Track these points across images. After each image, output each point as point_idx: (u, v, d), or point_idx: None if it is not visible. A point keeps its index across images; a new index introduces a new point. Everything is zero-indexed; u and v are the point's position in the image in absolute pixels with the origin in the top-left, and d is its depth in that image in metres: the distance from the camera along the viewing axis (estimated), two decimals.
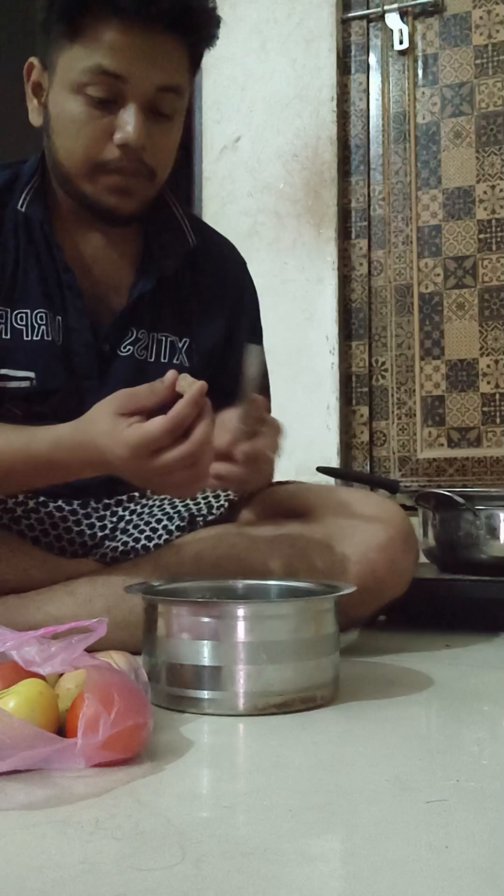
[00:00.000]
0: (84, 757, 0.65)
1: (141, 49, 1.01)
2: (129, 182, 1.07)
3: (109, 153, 1.04)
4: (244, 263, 1.31)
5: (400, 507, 1.16)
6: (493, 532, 1.41)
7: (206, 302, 1.22)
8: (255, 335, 1.29)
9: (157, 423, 0.89)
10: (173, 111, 1.06)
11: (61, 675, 0.74)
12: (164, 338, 1.18)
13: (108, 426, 0.92)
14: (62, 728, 0.69)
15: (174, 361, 1.18)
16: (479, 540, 1.41)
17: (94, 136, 1.03)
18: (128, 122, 1.02)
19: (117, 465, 0.93)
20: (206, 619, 0.84)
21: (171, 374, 0.92)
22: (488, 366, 2.12)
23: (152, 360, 1.17)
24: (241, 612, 0.84)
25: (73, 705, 0.68)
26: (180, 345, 1.19)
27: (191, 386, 0.90)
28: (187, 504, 1.17)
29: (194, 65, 1.08)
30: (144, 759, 0.68)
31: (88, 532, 1.15)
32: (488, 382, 2.12)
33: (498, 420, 2.11)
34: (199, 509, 1.17)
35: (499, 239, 2.13)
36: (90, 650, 0.72)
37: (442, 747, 0.76)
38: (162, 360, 1.18)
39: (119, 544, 1.14)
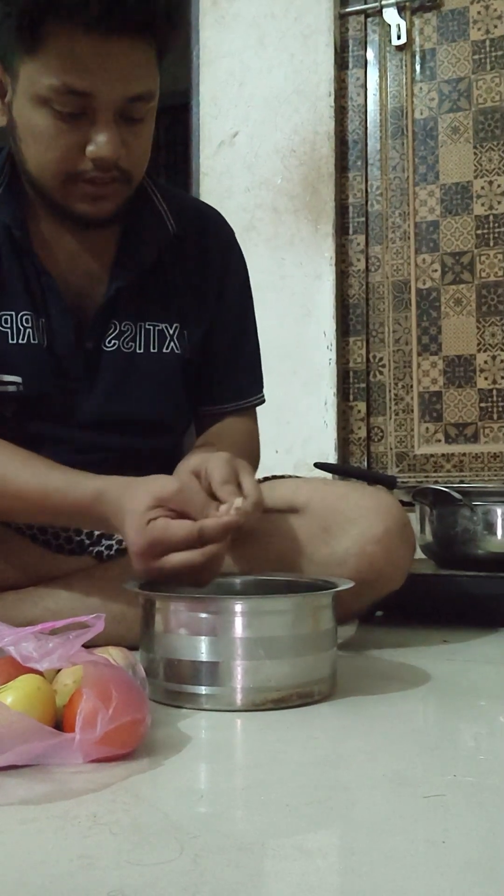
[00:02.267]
0: (82, 752, 0.65)
1: (107, 62, 0.95)
2: (103, 190, 1.03)
3: (83, 164, 1.00)
4: (230, 237, 1.26)
5: (396, 499, 1.15)
6: (491, 528, 1.41)
7: (192, 286, 1.19)
8: (242, 316, 1.26)
9: (181, 531, 0.87)
10: (145, 114, 1.02)
11: (59, 670, 0.74)
12: (151, 327, 1.16)
13: (140, 507, 0.90)
14: (60, 724, 0.69)
15: (164, 350, 1.16)
16: (476, 535, 1.41)
17: (66, 150, 0.99)
18: (99, 135, 0.98)
19: (128, 544, 0.92)
20: (204, 615, 0.84)
21: (227, 505, 0.90)
22: (486, 361, 2.12)
23: (141, 350, 1.15)
24: (238, 607, 0.84)
25: (70, 701, 0.68)
26: (171, 331, 1.17)
27: (232, 508, 0.89)
28: None
29: (162, 60, 1.03)
30: (142, 754, 0.68)
31: (86, 530, 1.15)
32: (486, 378, 2.13)
33: (495, 416, 2.11)
34: None
35: (496, 234, 2.13)
36: (88, 646, 0.72)
37: (439, 742, 0.76)
38: (151, 349, 1.15)
39: (115, 542, 1.14)
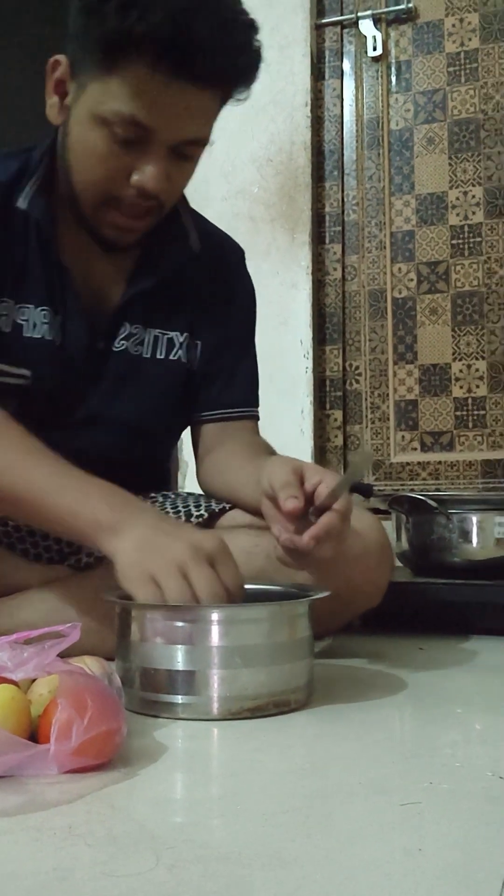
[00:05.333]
0: (57, 763, 0.65)
1: (177, 105, 0.97)
2: (132, 223, 1.06)
3: (124, 190, 1.02)
4: (242, 259, 1.30)
5: (375, 518, 1.15)
6: (466, 535, 1.42)
7: (205, 299, 1.22)
8: (249, 333, 1.29)
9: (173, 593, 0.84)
10: (195, 155, 1.06)
11: (34, 680, 0.74)
12: (161, 334, 1.18)
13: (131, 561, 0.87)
14: (35, 734, 0.68)
15: (171, 357, 1.18)
16: (451, 543, 1.42)
17: (113, 172, 1.01)
18: (149, 166, 1.00)
19: (117, 571, 0.88)
20: (181, 624, 0.83)
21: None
22: (461, 370, 2.14)
23: (148, 356, 1.17)
24: (215, 616, 0.83)
25: (45, 711, 0.68)
26: (181, 339, 1.19)
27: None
28: (166, 511, 1.17)
29: (223, 107, 1.05)
30: (118, 764, 0.68)
31: (65, 539, 1.14)
32: (461, 387, 2.14)
33: (470, 424, 2.13)
34: (179, 517, 1.16)
35: (471, 245, 2.14)
36: (64, 656, 0.72)
37: (416, 750, 0.77)
38: (158, 356, 1.17)
39: (95, 551, 1.14)
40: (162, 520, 0.93)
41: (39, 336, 1.09)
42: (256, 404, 1.28)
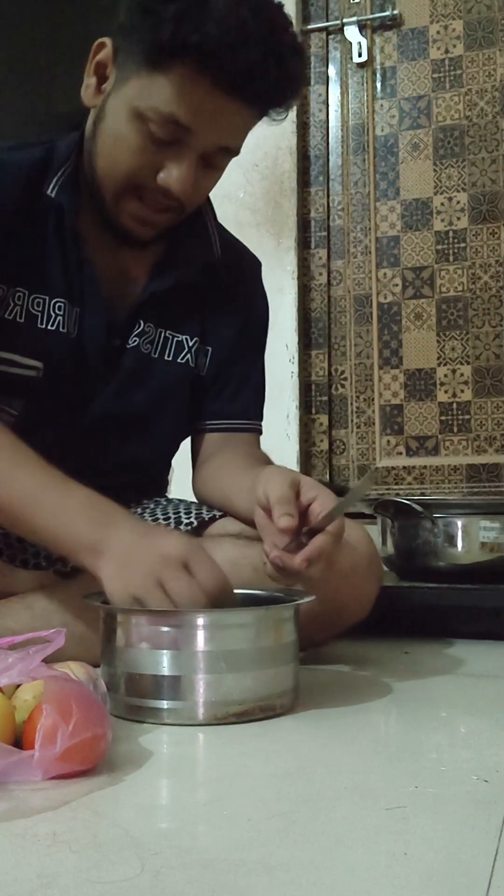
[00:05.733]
0: (41, 769, 0.64)
1: (218, 113, 0.98)
2: (152, 216, 1.06)
3: (150, 182, 1.02)
4: (260, 270, 1.31)
5: (364, 530, 1.13)
6: (451, 540, 1.42)
7: (221, 307, 1.22)
8: (260, 345, 1.30)
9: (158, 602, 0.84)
10: (223, 165, 1.06)
11: (18, 686, 0.73)
12: (171, 336, 1.18)
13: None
14: (19, 740, 0.68)
15: (179, 360, 1.18)
16: (437, 547, 1.42)
17: (141, 166, 1.01)
18: (177, 168, 1.00)
19: (103, 582, 0.88)
20: (166, 629, 0.83)
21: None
22: (445, 375, 2.15)
23: (156, 356, 1.16)
24: (200, 621, 0.83)
25: (30, 717, 0.67)
26: (190, 344, 1.19)
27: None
28: (157, 518, 1.16)
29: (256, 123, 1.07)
30: (103, 770, 0.68)
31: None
32: (446, 392, 2.15)
33: (455, 429, 2.14)
34: (169, 524, 1.15)
35: (456, 250, 2.15)
36: (48, 661, 0.71)
37: (401, 754, 0.77)
38: (166, 357, 1.17)
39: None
40: (138, 531, 0.91)
41: (53, 328, 1.08)
42: (260, 418, 1.28)
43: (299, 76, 1.04)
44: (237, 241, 1.30)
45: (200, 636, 0.83)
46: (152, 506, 1.20)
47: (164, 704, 0.82)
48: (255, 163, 2.25)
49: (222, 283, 1.22)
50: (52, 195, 1.08)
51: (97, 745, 0.67)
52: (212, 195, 1.17)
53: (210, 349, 1.22)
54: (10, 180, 1.07)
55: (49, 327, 1.08)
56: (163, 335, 1.17)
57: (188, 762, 0.75)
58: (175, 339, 1.18)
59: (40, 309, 1.08)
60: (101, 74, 1.05)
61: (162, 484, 1.33)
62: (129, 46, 0.99)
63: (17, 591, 1.10)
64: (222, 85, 0.96)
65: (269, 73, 0.96)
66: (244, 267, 1.28)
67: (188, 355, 1.19)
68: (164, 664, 0.82)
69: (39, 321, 1.08)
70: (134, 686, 0.84)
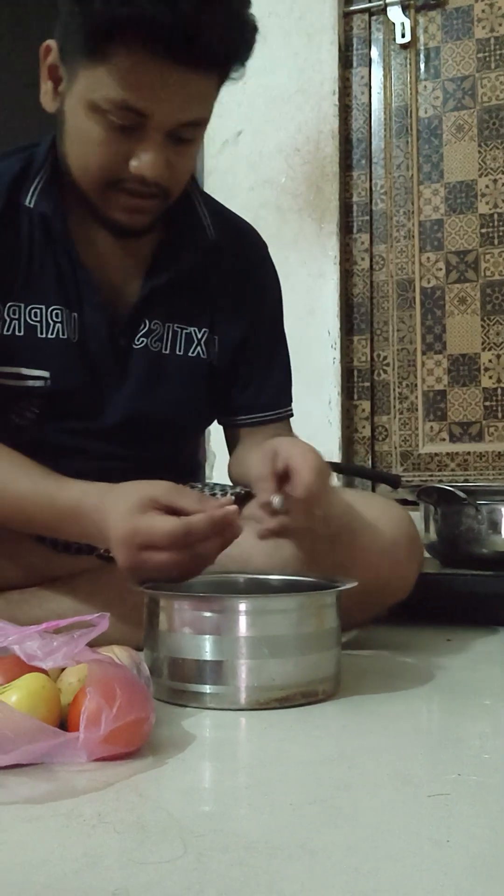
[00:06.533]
0: (86, 751, 0.65)
1: (170, 88, 0.94)
2: (140, 203, 1.03)
3: (124, 173, 1.00)
4: (266, 251, 1.27)
5: (404, 510, 1.13)
6: (495, 527, 1.41)
7: (228, 294, 1.19)
8: (276, 326, 1.26)
9: (165, 525, 0.87)
10: (194, 137, 1.02)
11: (63, 669, 0.74)
12: (179, 329, 1.15)
13: (127, 506, 0.90)
14: (64, 722, 0.69)
15: (190, 354, 1.16)
16: (480, 534, 1.41)
17: (111, 159, 0.99)
18: (146, 153, 0.98)
19: (112, 542, 0.92)
20: (208, 614, 0.84)
21: (228, 500, 0.90)
22: (490, 360, 2.12)
23: (167, 351, 1.14)
24: (242, 606, 0.84)
25: (75, 700, 0.68)
26: (199, 335, 1.17)
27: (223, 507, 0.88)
28: None
29: (220, 87, 1.02)
30: (146, 753, 0.69)
31: (81, 542, 1.14)
32: (490, 377, 2.12)
33: (499, 415, 2.11)
34: None
35: (501, 233, 2.12)
36: (92, 645, 0.72)
37: (443, 741, 0.76)
38: (178, 351, 1.15)
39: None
40: (119, 533, 0.92)
41: (53, 336, 1.08)
42: (289, 401, 1.26)
43: (245, 23, 0.96)
44: (236, 218, 1.26)
45: (243, 621, 0.83)
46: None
47: (207, 689, 0.83)
48: (297, 147, 2.24)
49: (225, 267, 1.19)
50: (31, 205, 1.07)
51: (140, 728, 0.68)
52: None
53: (216, 337, 1.18)
54: None
55: (49, 336, 1.08)
56: (171, 329, 1.15)
57: (230, 746, 0.76)
58: (184, 331, 1.16)
59: (38, 319, 1.08)
60: (54, 77, 1.02)
61: (195, 469, 1.33)
62: (70, 41, 0.97)
63: (61, 576, 1.11)
64: (165, 54, 0.91)
65: (209, 27, 0.91)
66: (246, 245, 1.24)
67: (199, 347, 1.16)
68: (207, 649, 0.83)
69: (39, 331, 1.08)
70: (177, 670, 0.84)
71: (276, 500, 0.89)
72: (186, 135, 1.00)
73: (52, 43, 1.01)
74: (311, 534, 0.97)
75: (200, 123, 1.01)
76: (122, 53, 0.92)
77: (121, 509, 0.90)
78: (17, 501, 0.99)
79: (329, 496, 0.95)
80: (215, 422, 1.29)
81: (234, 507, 0.89)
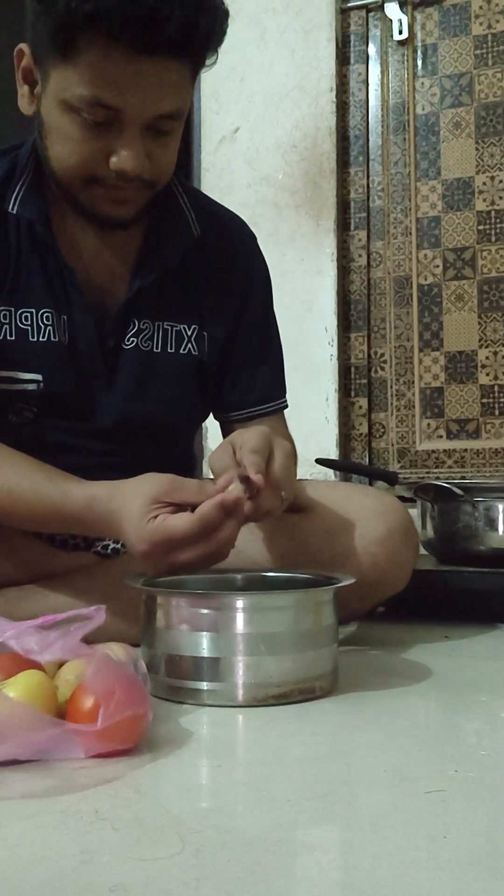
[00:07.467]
0: (83, 746, 0.65)
1: (141, 81, 0.93)
2: (124, 194, 1.02)
3: (105, 170, 0.99)
4: (253, 242, 1.25)
5: (399, 501, 1.15)
6: (492, 523, 1.41)
7: (215, 288, 1.18)
8: (266, 320, 1.25)
9: (181, 524, 0.87)
10: (173, 128, 1.01)
11: (60, 666, 0.74)
12: (169, 327, 1.15)
13: (137, 510, 0.90)
14: (62, 719, 0.69)
15: (181, 351, 1.15)
16: (477, 531, 1.41)
17: (90, 155, 0.98)
18: (124, 149, 0.97)
19: (135, 555, 0.93)
20: (206, 611, 0.84)
21: (225, 478, 0.89)
22: (487, 357, 2.12)
23: (158, 350, 1.14)
24: (240, 603, 0.84)
25: (72, 696, 0.68)
26: (189, 332, 1.16)
27: (229, 489, 0.87)
28: None
29: (196, 77, 1.02)
30: (144, 749, 0.69)
31: (90, 536, 1.14)
32: (487, 374, 2.12)
33: (496, 412, 2.11)
34: None
35: (498, 230, 2.12)
36: (89, 642, 0.72)
37: (440, 738, 0.76)
38: (169, 349, 1.15)
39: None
40: (130, 531, 0.93)
41: (45, 339, 1.08)
42: (282, 394, 1.26)
43: (212, 7, 0.95)
44: (222, 212, 1.25)
45: (240, 618, 0.83)
46: None
47: (204, 686, 0.83)
48: (294, 144, 2.23)
49: (213, 262, 1.18)
50: (13, 211, 1.07)
51: (138, 725, 0.68)
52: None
53: (206, 334, 1.17)
54: None
55: (41, 339, 1.08)
56: (161, 328, 1.14)
57: (228, 743, 0.76)
58: (174, 329, 1.15)
59: (29, 323, 1.08)
60: (29, 81, 1.02)
61: (191, 464, 1.33)
62: (40, 43, 0.96)
63: (58, 572, 1.11)
64: (131, 45, 0.90)
65: (173, 15, 0.90)
66: (233, 238, 1.22)
67: (189, 344, 1.16)
68: (204, 646, 0.83)
69: (30, 335, 1.08)
70: (174, 667, 0.84)
71: (232, 487, 0.88)
72: (165, 127, 0.99)
73: (24, 46, 1.00)
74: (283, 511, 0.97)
75: (178, 114, 1.00)
76: (88, 50, 0.91)
77: (133, 516, 0.90)
78: (23, 509, 0.99)
79: (286, 471, 0.93)
80: (211, 417, 1.29)
81: (236, 484, 0.88)
